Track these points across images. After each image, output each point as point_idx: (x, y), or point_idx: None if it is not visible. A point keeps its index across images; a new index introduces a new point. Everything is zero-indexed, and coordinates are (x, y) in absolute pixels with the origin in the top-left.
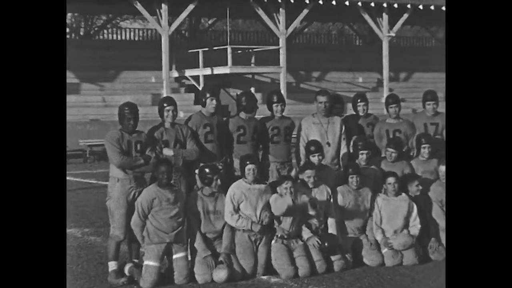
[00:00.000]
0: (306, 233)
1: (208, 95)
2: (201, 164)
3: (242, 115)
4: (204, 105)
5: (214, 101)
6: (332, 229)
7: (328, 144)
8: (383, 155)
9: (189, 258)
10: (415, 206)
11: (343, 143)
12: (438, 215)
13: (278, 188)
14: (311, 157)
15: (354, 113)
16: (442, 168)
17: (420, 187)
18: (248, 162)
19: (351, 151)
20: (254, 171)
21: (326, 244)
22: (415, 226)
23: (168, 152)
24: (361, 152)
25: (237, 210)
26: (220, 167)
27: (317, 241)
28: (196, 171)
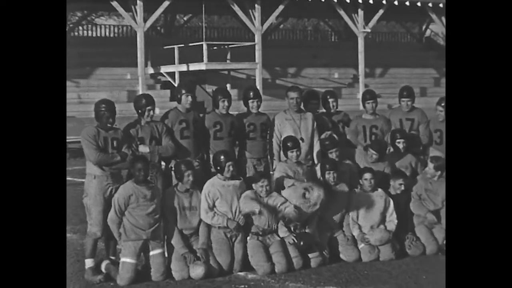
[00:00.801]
0: (282, 231)
1: (183, 91)
2: (176, 160)
3: (219, 111)
4: (179, 101)
5: (189, 98)
6: (310, 228)
7: (302, 140)
8: (359, 150)
9: (166, 255)
10: (391, 202)
11: (316, 138)
12: (416, 208)
13: (254, 185)
14: (288, 153)
15: (325, 110)
16: (431, 165)
17: (403, 188)
18: (224, 158)
19: (319, 148)
20: (230, 167)
21: (301, 243)
22: (392, 221)
23: (144, 149)
24: (330, 151)
25: (212, 207)
26: (196, 163)
27: (293, 239)
28: (172, 166)
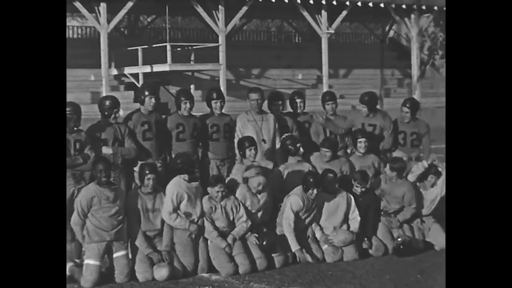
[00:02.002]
0: (239, 228)
1: (147, 93)
2: (140, 163)
3: (181, 112)
4: (142, 103)
5: (153, 100)
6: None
7: (264, 141)
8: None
9: (130, 257)
10: (353, 201)
11: (278, 139)
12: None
13: (209, 189)
14: (247, 152)
15: (292, 110)
16: (387, 166)
17: (363, 189)
18: (178, 161)
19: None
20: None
21: (264, 242)
22: (355, 219)
23: (106, 150)
24: (290, 149)
25: (176, 209)
26: (159, 164)
27: (255, 239)
28: (135, 168)
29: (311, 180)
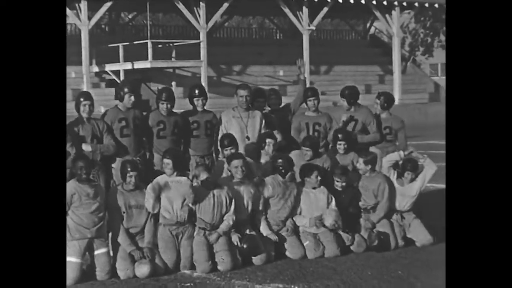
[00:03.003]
0: (224, 225)
1: (126, 90)
2: (121, 160)
3: (162, 110)
4: (122, 99)
5: (132, 97)
6: (262, 228)
7: (248, 138)
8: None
9: (111, 254)
10: (333, 198)
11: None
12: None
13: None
14: (224, 151)
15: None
16: (361, 160)
17: (344, 183)
18: (166, 157)
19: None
20: (169, 166)
21: (244, 246)
22: (332, 211)
23: (85, 147)
24: (267, 142)
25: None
26: (138, 160)
27: (237, 240)
28: (113, 165)
29: (285, 164)
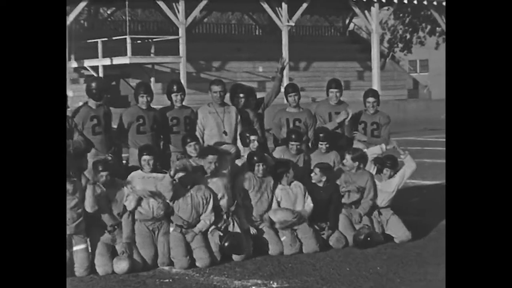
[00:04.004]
0: (201, 225)
1: (93, 85)
2: (93, 161)
3: (142, 103)
4: (93, 97)
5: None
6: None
7: (225, 133)
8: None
9: (90, 250)
10: (307, 193)
11: (239, 131)
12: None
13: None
14: (187, 148)
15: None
16: (348, 156)
17: (323, 179)
18: (144, 153)
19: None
20: (149, 162)
21: (226, 244)
22: (307, 205)
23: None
24: (252, 139)
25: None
26: (109, 158)
27: (218, 238)
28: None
29: (255, 158)
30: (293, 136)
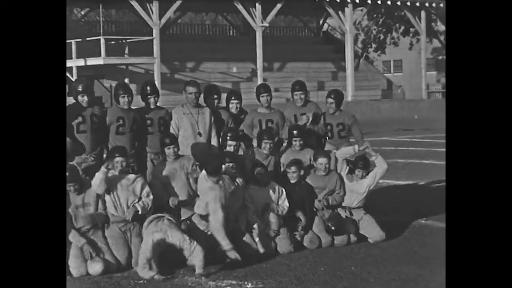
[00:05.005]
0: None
1: (79, 89)
2: (70, 163)
3: (121, 106)
4: (76, 99)
5: (85, 97)
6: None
7: (199, 134)
8: (255, 144)
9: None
10: (283, 191)
11: (213, 133)
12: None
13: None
14: (166, 150)
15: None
16: (321, 160)
17: (297, 176)
18: (116, 155)
19: (220, 141)
20: (122, 164)
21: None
22: (283, 205)
23: None
24: (229, 143)
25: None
26: (91, 159)
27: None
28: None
29: (227, 158)
30: (265, 137)
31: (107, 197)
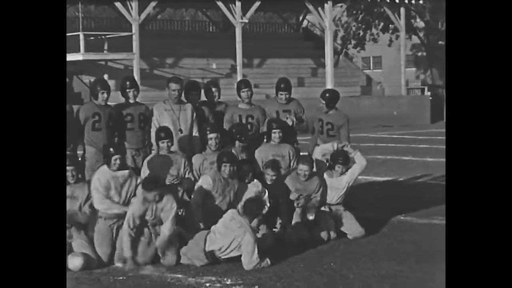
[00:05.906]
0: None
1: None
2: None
3: (98, 102)
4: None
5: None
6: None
7: (181, 131)
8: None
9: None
10: (266, 191)
11: (195, 129)
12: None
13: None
14: (160, 144)
15: (206, 99)
16: (302, 166)
17: (275, 178)
18: (116, 152)
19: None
20: (117, 160)
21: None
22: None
23: None
24: (210, 136)
25: (107, 195)
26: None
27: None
28: None
29: (225, 158)
30: (237, 133)
31: (98, 194)
